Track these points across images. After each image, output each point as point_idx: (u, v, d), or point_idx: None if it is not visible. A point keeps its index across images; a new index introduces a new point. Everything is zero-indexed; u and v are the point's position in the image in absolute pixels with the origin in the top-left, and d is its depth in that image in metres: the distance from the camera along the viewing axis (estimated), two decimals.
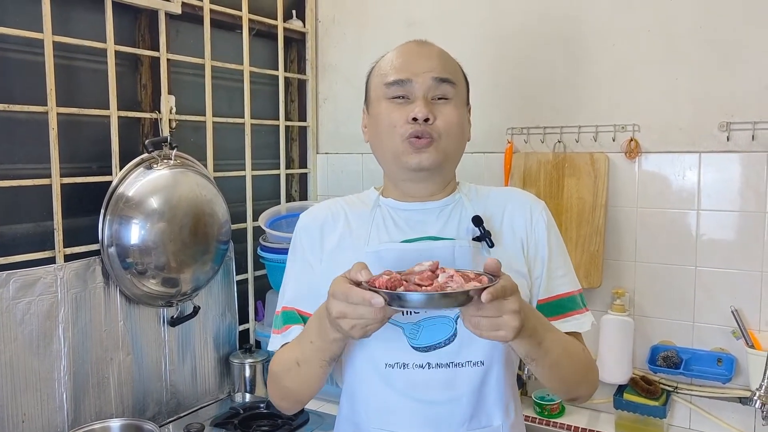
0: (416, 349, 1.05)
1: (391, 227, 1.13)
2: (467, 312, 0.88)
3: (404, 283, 0.89)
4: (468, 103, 1.18)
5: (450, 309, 0.90)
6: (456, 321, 1.05)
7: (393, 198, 1.16)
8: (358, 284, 0.89)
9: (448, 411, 1.05)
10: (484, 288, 0.84)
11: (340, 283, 0.90)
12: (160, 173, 1.73)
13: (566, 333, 1.10)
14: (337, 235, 1.14)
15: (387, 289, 0.86)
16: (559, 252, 1.15)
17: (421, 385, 1.05)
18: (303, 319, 1.12)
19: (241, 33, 2.12)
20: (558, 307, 1.12)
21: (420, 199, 1.14)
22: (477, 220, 1.09)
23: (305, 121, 2.44)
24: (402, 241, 1.10)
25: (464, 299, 0.85)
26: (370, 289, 0.87)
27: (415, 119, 1.06)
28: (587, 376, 1.13)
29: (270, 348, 1.16)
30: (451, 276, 0.88)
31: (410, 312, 1.05)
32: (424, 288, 0.87)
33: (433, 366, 1.04)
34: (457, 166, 1.17)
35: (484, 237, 1.08)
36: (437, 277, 0.89)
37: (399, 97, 1.09)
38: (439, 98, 1.09)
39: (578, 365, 1.09)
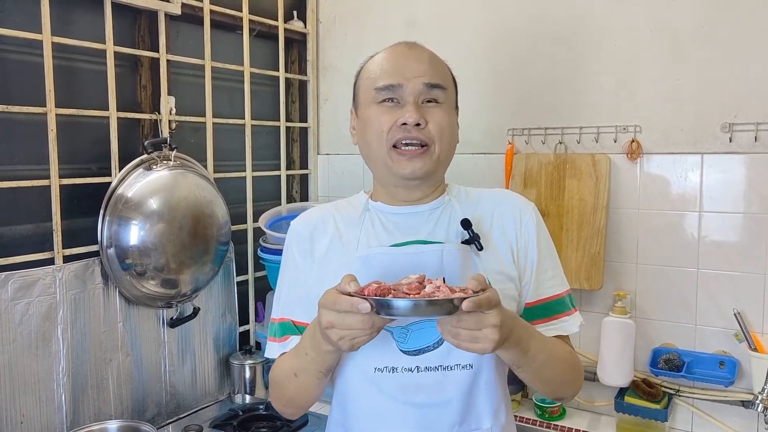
0: (405, 352, 1.05)
1: (380, 231, 1.12)
2: (448, 322, 0.89)
3: (392, 291, 0.91)
4: (456, 106, 1.17)
5: (436, 317, 0.91)
6: None
7: (382, 201, 1.16)
8: (348, 295, 0.90)
9: (438, 414, 1.05)
10: (469, 297, 0.85)
11: (330, 293, 0.91)
12: (160, 174, 1.73)
13: (554, 336, 1.12)
14: (327, 241, 1.14)
15: (375, 296, 0.87)
16: (548, 254, 1.15)
17: (410, 388, 1.05)
18: (298, 329, 1.13)
19: (242, 34, 2.12)
20: (546, 309, 1.13)
21: (409, 202, 1.14)
22: (466, 223, 1.08)
23: (306, 122, 2.44)
24: (391, 246, 1.09)
25: (450, 308, 0.86)
26: (358, 296, 0.88)
27: (405, 124, 1.05)
28: (573, 378, 1.15)
29: (267, 355, 1.18)
30: (438, 287, 0.90)
31: None
32: (411, 296, 0.88)
33: (423, 369, 1.04)
34: (447, 169, 1.16)
35: (473, 240, 1.07)
36: (424, 287, 0.91)
37: (388, 100, 1.08)
38: (428, 101, 1.08)
39: (564, 369, 1.11)
